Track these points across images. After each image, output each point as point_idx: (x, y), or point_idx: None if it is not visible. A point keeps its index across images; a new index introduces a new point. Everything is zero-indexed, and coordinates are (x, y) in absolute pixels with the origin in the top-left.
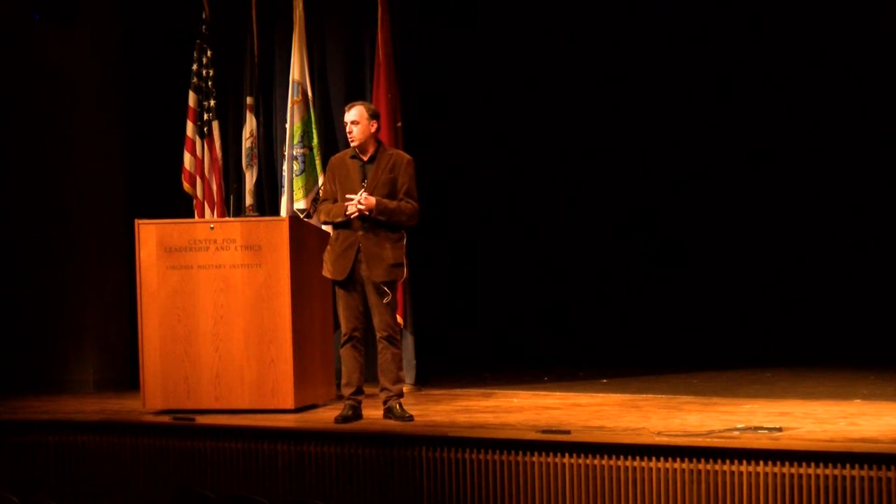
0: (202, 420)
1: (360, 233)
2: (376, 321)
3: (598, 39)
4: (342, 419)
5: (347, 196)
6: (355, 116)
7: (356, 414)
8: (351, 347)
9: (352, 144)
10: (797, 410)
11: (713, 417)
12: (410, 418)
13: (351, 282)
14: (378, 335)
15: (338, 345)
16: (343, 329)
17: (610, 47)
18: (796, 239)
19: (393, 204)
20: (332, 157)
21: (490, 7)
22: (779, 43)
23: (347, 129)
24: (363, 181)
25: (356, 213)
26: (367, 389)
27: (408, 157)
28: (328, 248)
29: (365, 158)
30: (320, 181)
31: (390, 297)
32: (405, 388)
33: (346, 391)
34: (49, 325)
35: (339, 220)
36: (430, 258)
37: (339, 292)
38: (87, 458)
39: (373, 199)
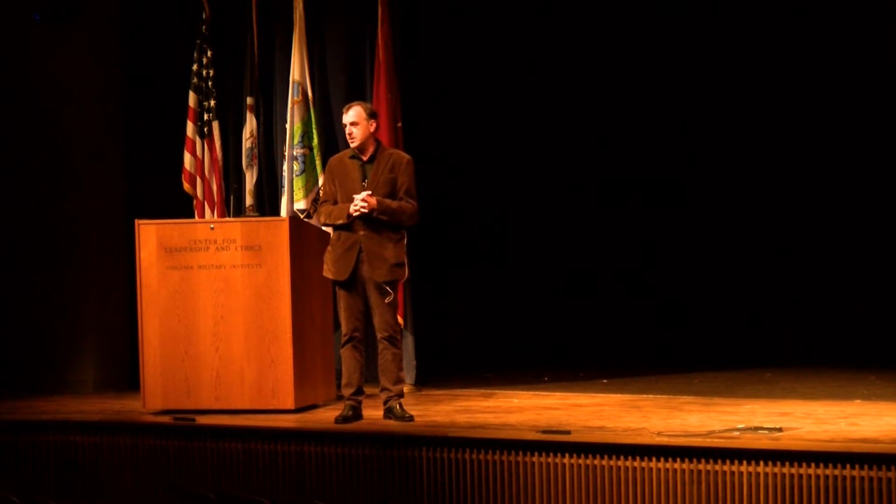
0: (202, 420)
1: (362, 233)
2: (377, 321)
3: (600, 38)
4: (342, 419)
5: (354, 197)
6: (354, 118)
7: (356, 414)
8: (351, 348)
9: (352, 145)
10: (797, 410)
11: (713, 417)
12: (411, 418)
13: (352, 282)
14: (379, 335)
15: (338, 345)
16: (343, 329)
17: (613, 46)
18: (797, 239)
19: (395, 204)
20: (330, 158)
21: (490, 6)
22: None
23: (347, 131)
24: (363, 181)
25: (359, 213)
26: (368, 390)
27: (407, 156)
28: (329, 248)
29: (365, 158)
30: (320, 181)
31: (392, 296)
32: (405, 389)
33: (347, 391)
34: (49, 325)
35: (341, 221)
36: (430, 258)
37: (341, 293)
38: (87, 458)
39: (374, 200)
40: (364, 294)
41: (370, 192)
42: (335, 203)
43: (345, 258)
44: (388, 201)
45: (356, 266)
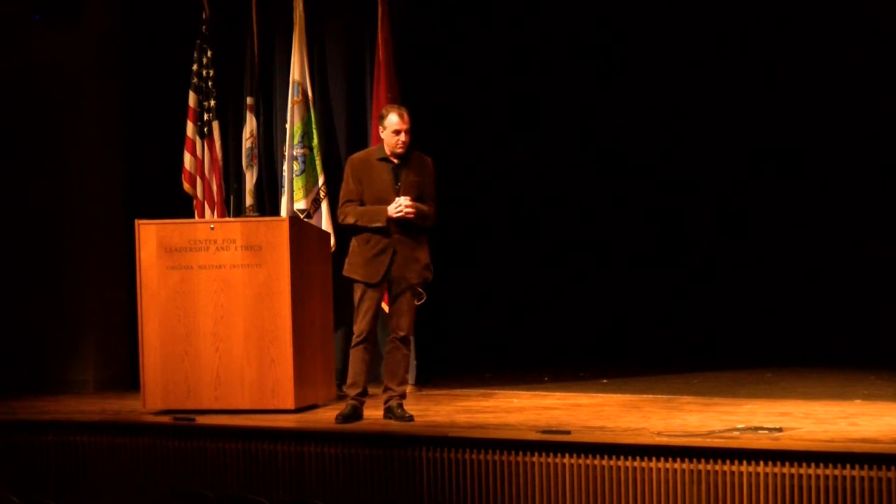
0: (202, 420)
1: (396, 236)
2: (399, 322)
3: (600, 37)
4: (342, 418)
5: (398, 200)
6: (409, 124)
7: (356, 413)
8: (363, 349)
9: (400, 151)
10: (797, 410)
11: (713, 418)
12: (411, 418)
13: (381, 284)
14: (395, 335)
15: (339, 345)
16: (359, 329)
17: (612, 44)
18: (797, 239)
19: (426, 207)
20: (352, 157)
21: (490, 6)
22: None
23: (400, 138)
24: (396, 185)
25: (401, 217)
26: (369, 390)
27: (429, 158)
28: (354, 249)
29: (396, 161)
30: (320, 181)
31: (424, 298)
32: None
33: (352, 391)
34: (49, 324)
35: (378, 224)
36: (430, 258)
37: (368, 293)
38: (87, 458)
39: (414, 206)
40: (381, 296)
41: (410, 198)
42: (361, 203)
43: (377, 261)
44: (421, 205)
45: (388, 268)
